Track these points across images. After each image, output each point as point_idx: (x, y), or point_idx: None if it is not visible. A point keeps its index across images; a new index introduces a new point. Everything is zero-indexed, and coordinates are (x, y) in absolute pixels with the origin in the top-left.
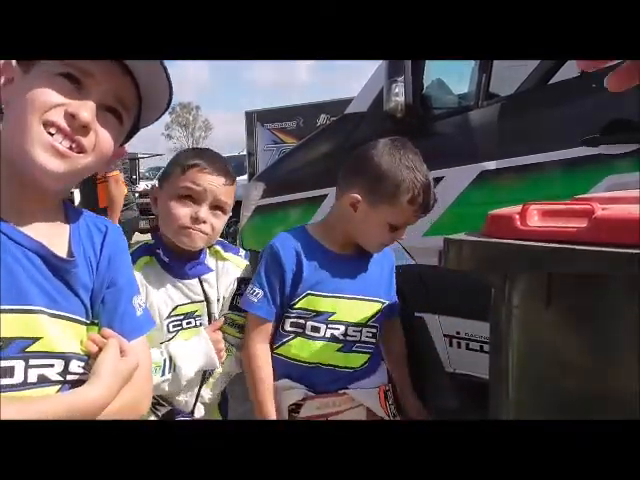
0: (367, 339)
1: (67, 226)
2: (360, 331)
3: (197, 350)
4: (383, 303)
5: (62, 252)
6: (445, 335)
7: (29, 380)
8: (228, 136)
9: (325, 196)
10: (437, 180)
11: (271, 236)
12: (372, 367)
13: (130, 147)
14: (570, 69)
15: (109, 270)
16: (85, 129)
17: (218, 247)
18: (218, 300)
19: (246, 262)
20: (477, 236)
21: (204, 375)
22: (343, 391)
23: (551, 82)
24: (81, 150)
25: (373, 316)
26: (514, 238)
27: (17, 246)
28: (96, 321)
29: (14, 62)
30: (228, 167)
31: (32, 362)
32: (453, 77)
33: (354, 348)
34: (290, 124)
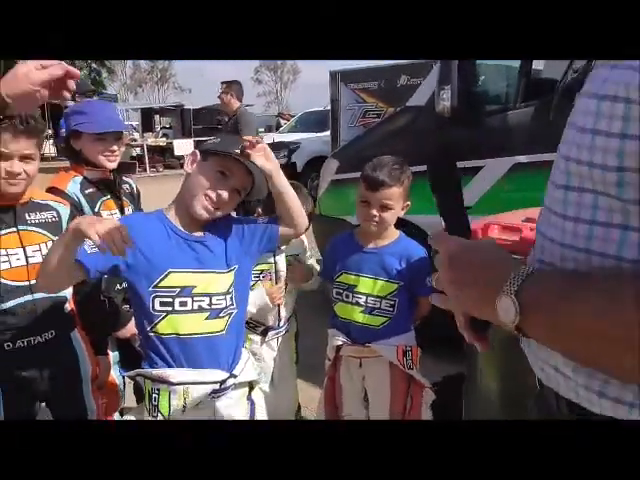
0: (386, 308)
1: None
2: (380, 301)
3: (256, 297)
4: (400, 285)
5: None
6: None
7: (194, 308)
8: (314, 79)
9: None
10: (478, 169)
11: (343, 205)
12: (396, 330)
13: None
14: None
15: (245, 233)
16: (225, 201)
17: None
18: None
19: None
20: None
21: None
22: (368, 344)
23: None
24: (220, 208)
25: (391, 292)
26: None
27: (185, 240)
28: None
29: (197, 151)
30: (309, 199)
31: (195, 299)
32: None
33: (374, 312)
34: (372, 84)
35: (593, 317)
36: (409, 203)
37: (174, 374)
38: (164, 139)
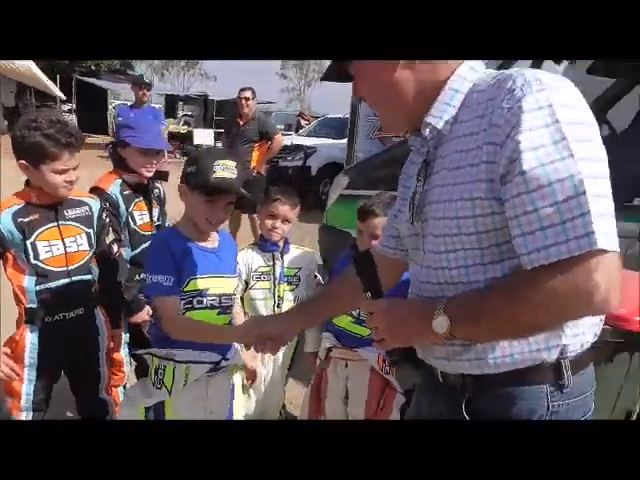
0: None
1: (218, 237)
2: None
3: None
4: None
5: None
6: None
7: (207, 306)
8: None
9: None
10: None
11: (348, 218)
12: None
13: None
14: None
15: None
16: (223, 218)
17: None
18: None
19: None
20: None
21: None
22: (355, 349)
23: None
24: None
25: None
26: None
27: (201, 251)
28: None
29: (184, 186)
30: (295, 197)
31: (208, 298)
32: None
33: (364, 324)
34: None
35: (500, 307)
36: None
37: (179, 354)
38: (185, 127)
